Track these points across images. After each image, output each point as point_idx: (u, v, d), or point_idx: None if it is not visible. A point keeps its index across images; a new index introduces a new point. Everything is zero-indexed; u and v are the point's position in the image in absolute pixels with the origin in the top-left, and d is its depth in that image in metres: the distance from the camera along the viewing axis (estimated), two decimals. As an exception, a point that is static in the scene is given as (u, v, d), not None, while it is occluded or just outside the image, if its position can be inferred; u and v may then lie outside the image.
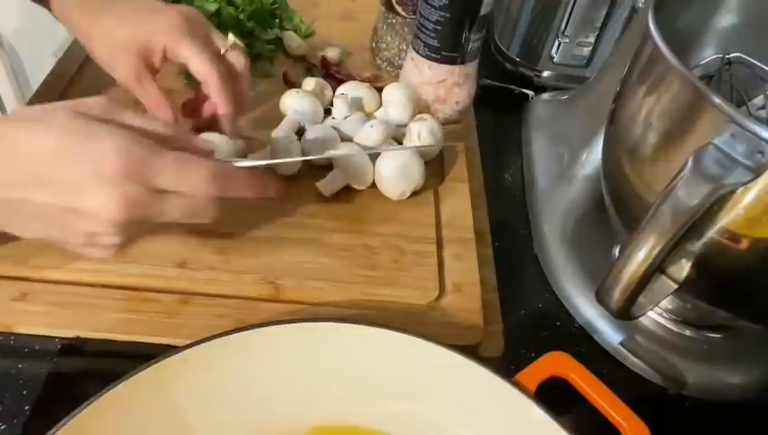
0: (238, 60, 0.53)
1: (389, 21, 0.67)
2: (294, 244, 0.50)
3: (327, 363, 0.39)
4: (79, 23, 0.52)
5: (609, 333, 0.49)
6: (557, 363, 0.38)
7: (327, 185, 0.54)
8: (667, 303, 0.48)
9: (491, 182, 0.61)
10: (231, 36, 0.54)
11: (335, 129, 0.56)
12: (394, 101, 0.58)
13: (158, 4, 0.52)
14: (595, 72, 0.65)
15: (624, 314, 0.39)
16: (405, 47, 0.67)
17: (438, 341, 0.38)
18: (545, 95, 0.71)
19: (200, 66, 0.50)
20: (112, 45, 0.50)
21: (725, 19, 0.49)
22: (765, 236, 0.35)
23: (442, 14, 0.55)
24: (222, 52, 0.52)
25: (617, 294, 0.38)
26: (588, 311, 0.50)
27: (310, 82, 0.62)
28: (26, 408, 0.40)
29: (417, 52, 0.59)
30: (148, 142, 0.35)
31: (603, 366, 0.47)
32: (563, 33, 0.69)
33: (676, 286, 0.39)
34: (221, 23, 0.66)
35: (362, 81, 0.65)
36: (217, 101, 0.52)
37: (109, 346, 0.43)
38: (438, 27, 0.56)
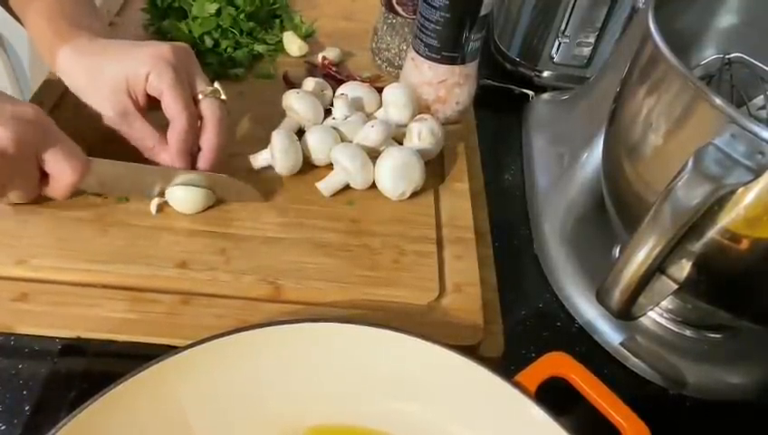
0: (212, 111, 0.50)
1: (390, 21, 0.67)
2: (294, 244, 0.50)
3: (327, 363, 0.39)
4: (61, 59, 0.50)
5: (609, 333, 0.49)
6: (557, 363, 0.38)
7: (327, 185, 0.54)
8: (667, 303, 0.48)
9: (491, 182, 0.61)
10: (216, 84, 0.51)
11: (335, 129, 0.56)
12: (394, 102, 0.58)
13: (150, 43, 0.50)
14: (595, 72, 0.65)
15: (624, 314, 0.39)
16: (405, 47, 0.67)
17: (438, 341, 0.38)
18: (545, 95, 0.71)
19: (171, 104, 0.48)
20: (101, 85, 0.49)
21: (725, 19, 0.49)
22: (766, 236, 0.35)
23: (442, 14, 0.55)
24: (200, 97, 0.50)
25: (617, 295, 0.38)
26: (588, 311, 0.50)
27: (310, 83, 0.62)
28: (26, 408, 0.40)
29: (418, 52, 0.59)
30: None
31: (603, 366, 0.47)
32: (563, 33, 0.69)
33: (676, 286, 0.39)
34: (221, 23, 0.66)
35: (362, 81, 0.65)
36: (172, 147, 0.49)
37: (109, 346, 0.43)
38: (439, 27, 0.56)
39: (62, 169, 0.45)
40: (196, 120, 0.50)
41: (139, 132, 0.50)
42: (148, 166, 0.51)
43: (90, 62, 0.49)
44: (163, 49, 0.49)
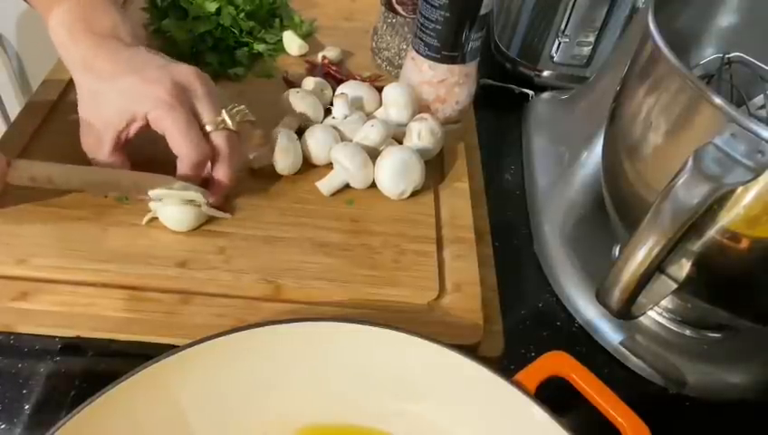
0: (223, 144, 0.50)
1: (389, 20, 0.67)
2: (294, 244, 0.50)
3: (327, 363, 0.39)
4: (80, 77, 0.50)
5: (609, 332, 0.49)
6: (557, 363, 0.38)
7: (327, 185, 0.54)
8: (666, 303, 0.48)
9: (491, 182, 0.61)
10: (224, 113, 0.50)
11: (335, 128, 0.56)
12: (394, 101, 0.58)
13: (153, 73, 0.48)
14: (595, 72, 0.65)
15: (624, 313, 0.39)
16: (405, 47, 0.67)
17: (438, 341, 0.38)
18: (545, 95, 0.71)
19: (179, 145, 0.48)
20: (97, 119, 0.49)
21: (725, 19, 0.49)
22: (765, 235, 0.35)
23: (442, 13, 0.55)
24: (208, 129, 0.49)
25: (617, 294, 0.38)
26: (588, 311, 0.50)
27: (310, 82, 0.62)
28: (26, 407, 0.40)
29: (418, 51, 0.59)
30: None
31: (603, 366, 0.47)
32: (563, 32, 0.69)
33: (676, 286, 0.39)
34: (221, 22, 0.66)
35: (362, 80, 0.65)
36: (181, 178, 0.49)
37: (109, 346, 0.43)
38: (438, 27, 0.56)
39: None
40: (206, 157, 0.49)
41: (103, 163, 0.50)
42: (89, 167, 0.50)
43: (98, 88, 0.49)
44: (163, 94, 0.47)
